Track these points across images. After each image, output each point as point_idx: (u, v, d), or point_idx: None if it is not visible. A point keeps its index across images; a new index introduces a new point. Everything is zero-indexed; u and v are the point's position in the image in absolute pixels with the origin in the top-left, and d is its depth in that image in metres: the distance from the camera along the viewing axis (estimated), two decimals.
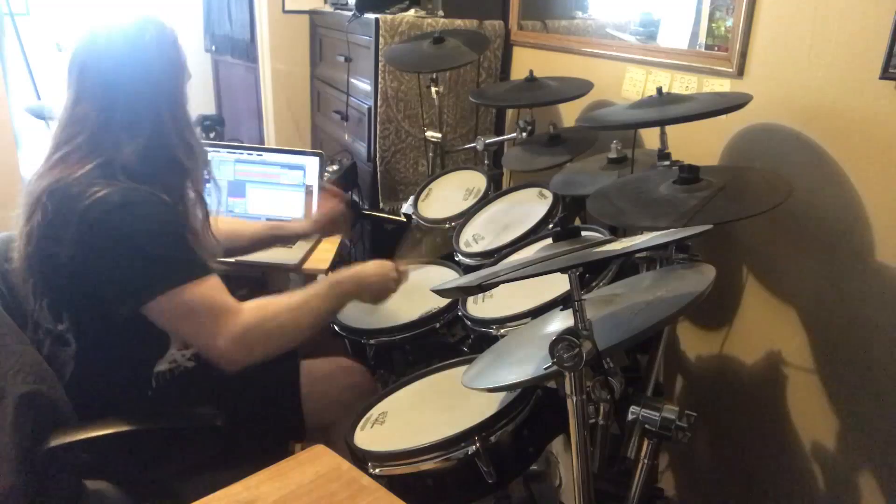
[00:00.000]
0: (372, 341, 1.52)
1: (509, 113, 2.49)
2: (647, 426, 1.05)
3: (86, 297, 1.19)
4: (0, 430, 1.10)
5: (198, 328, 1.18)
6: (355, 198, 2.50)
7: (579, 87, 1.88)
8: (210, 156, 1.41)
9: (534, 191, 1.80)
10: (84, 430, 1.17)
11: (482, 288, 0.91)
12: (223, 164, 2.10)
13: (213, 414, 1.21)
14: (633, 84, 1.83)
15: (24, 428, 1.12)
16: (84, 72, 1.22)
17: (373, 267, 1.42)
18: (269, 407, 1.39)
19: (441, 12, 2.38)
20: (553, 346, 0.87)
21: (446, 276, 1.71)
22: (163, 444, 1.27)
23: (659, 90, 1.44)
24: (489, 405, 1.15)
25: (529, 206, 1.73)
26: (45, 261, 1.18)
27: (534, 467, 1.47)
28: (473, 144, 2.18)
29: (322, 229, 1.78)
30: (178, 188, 1.27)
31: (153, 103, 1.23)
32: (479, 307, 1.44)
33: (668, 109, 1.35)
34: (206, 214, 1.36)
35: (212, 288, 1.19)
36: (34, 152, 2.90)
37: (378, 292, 1.43)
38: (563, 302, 1.21)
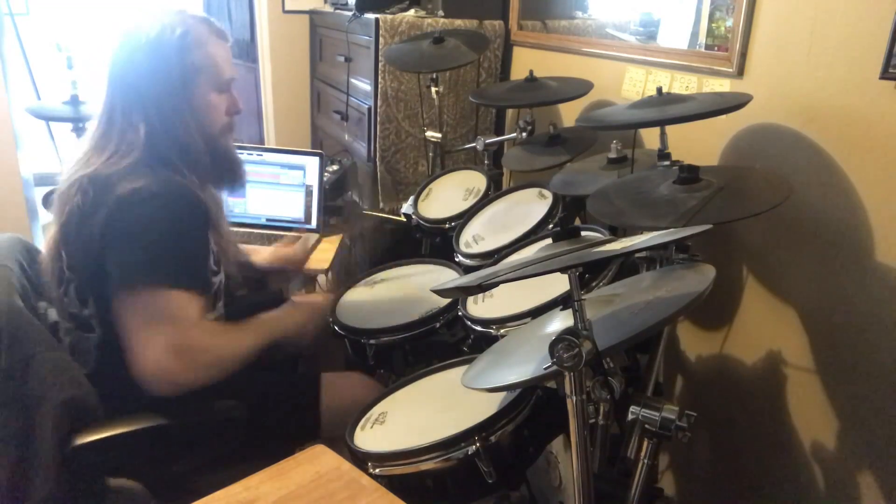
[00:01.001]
0: (372, 341, 1.51)
1: (509, 113, 2.49)
2: (647, 426, 1.05)
3: (104, 278, 1.22)
4: (41, 438, 1.10)
5: (144, 331, 1.16)
6: (355, 198, 2.50)
7: (579, 87, 1.88)
8: None
9: (534, 191, 1.80)
10: (107, 428, 1.18)
11: (482, 288, 0.91)
12: None
13: (233, 406, 1.24)
14: (633, 84, 1.83)
15: (63, 433, 1.14)
16: (113, 73, 1.29)
17: (308, 311, 1.51)
18: (289, 407, 1.42)
19: (441, 12, 2.38)
20: (553, 346, 0.87)
21: (446, 277, 1.71)
22: (181, 438, 1.28)
23: (659, 90, 1.44)
24: (489, 405, 1.15)
25: (529, 206, 1.73)
26: (78, 242, 1.22)
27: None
28: (473, 144, 2.18)
29: (274, 270, 1.82)
30: (212, 184, 1.36)
31: (178, 101, 1.28)
32: (479, 307, 1.44)
33: (668, 109, 1.35)
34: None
35: (189, 302, 1.20)
36: (34, 152, 2.90)
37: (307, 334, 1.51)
38: (563, 302, 1.20)
